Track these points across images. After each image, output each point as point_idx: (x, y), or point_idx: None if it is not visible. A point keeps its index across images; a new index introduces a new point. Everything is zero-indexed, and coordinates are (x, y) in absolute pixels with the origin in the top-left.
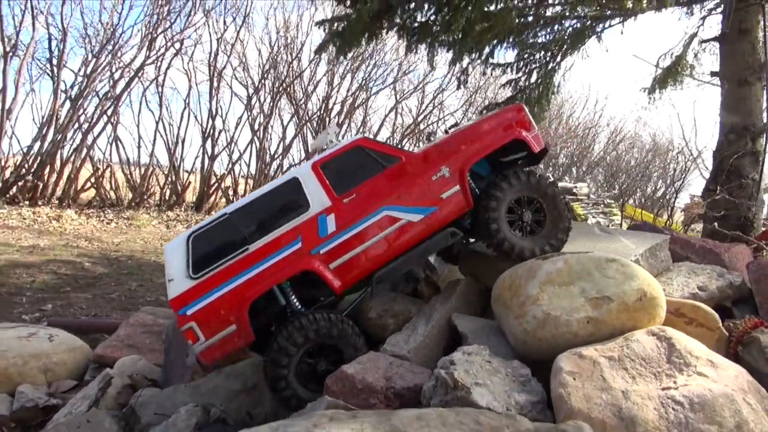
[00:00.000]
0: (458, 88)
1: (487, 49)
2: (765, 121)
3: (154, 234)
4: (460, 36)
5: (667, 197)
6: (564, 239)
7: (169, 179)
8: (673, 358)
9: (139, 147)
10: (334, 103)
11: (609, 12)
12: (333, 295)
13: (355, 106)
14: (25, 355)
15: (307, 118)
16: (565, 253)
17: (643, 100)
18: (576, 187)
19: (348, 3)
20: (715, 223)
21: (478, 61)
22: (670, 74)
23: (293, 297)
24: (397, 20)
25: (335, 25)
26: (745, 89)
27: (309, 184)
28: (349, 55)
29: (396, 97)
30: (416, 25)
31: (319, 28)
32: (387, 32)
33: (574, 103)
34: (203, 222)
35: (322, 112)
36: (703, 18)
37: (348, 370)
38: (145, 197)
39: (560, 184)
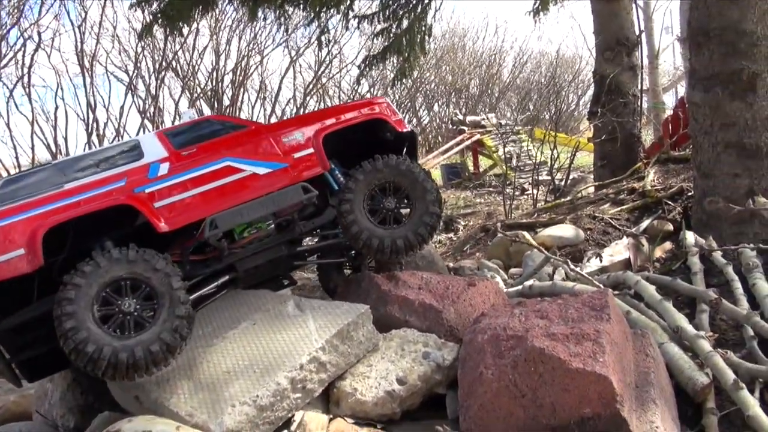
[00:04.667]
0: (320, 49)
1: (346, 2)
2: (637, 33)
3: None
4: None
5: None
6: (434, 225)
7: None
8: None
9: (17, 156)
10: (225, 73)
11: None
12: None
13: (248, 72)
14: None
15: (199, 91)
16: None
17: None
18: (484, 119)
19: None
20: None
21: (338, 16)
22: None
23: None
24: None
25: (155, 4)
26: (614, 4)
27: (148, 143)
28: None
29: (291, 55)
30: None
31: (135, 11)
32: (227, 1)
33: (476, 32)
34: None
35: (214, 83)
36: None
37: None
38: None
39: (468, 118)
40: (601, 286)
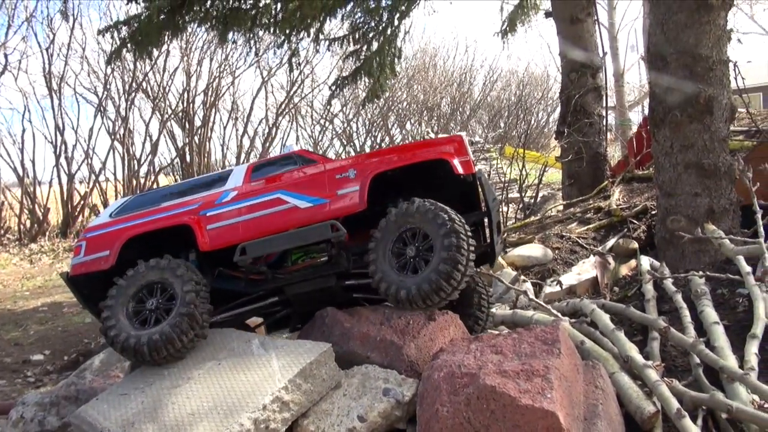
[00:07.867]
0: (291, 71)
1: (316, 25)
2: (601, 55)
3: (15, 274)
4: (279, 16)
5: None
6: (449, 273)
7: (25, 208)
8: None
9: None
10: (196, 94)
11: None
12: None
13: (220, 93)
14: None
15: (170, 113)
16: None
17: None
18: None
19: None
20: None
21: (308, 40)
22: (517, 16)
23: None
24: (200, 11)
25: (123, 29)
26: (577, 26)
27: (235, 174)
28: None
29: (262, 76)
30: (226, 11)
31: (103, 36)
32: (197, 25)
33: (447, 51)
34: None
35: (185, 103)
36: None
37: None
38: (1, 233)
39: (440, 136)
40: (559, 314)
